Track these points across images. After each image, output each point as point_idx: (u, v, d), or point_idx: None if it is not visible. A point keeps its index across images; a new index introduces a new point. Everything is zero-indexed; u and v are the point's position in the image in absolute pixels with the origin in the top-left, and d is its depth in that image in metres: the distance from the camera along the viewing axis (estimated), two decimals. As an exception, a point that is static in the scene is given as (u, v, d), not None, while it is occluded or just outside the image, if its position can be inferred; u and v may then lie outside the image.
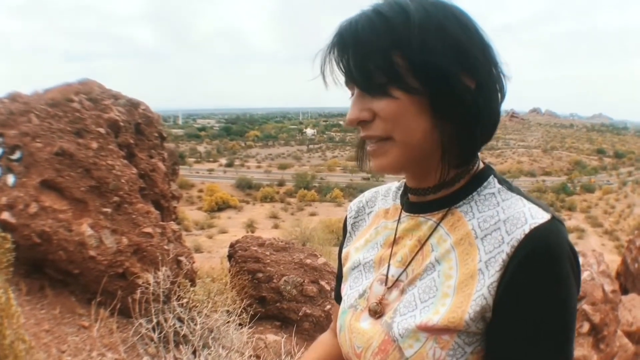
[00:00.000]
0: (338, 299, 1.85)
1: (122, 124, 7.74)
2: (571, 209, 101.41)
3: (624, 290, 12.08)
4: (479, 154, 1.47)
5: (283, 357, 6.53)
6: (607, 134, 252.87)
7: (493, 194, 1.42)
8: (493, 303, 1.27)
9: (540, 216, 1.28)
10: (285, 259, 9.55)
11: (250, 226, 65.06)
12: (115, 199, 7.04)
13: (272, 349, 7.40)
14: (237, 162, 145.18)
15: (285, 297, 9.11)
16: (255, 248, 9.68)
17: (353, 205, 1.87)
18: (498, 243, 1.30)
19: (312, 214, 75.47)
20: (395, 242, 1.56)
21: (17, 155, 6.69)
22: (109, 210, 6.94)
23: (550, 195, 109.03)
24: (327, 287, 9.24)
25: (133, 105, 8.38)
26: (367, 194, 1.85)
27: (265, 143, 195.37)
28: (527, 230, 1.26)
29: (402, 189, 1.67)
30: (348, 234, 1.84)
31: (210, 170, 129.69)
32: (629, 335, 9.69)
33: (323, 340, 2.01)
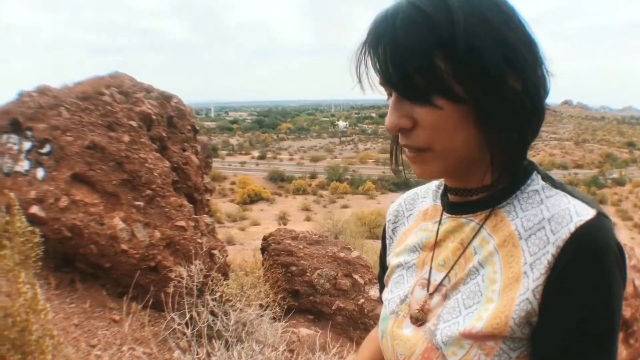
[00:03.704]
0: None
1: (154, 117, 7.74)
2: (602, 202, 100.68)
3: (656, 286, 11.95)
4: None
5: (318, 352, 6.50)
6: (637, 127, 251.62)
7: (537, 191, 1.35)
8: (539, 307, 1.22)
9: (586, 212, 1.22)
10: (319, 252, 9.55)
11: (283, 218, 65.36)
12: (148, 192, 7.04)
13: (305, 343, 7.38)
14: (269, 155, 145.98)
15: (319, 290, 9.13)
16: (288, 241, 9.71)
17: (391, 210, 1.80)
18: (543, 244, 1.24)
19: (344, 207, 75.64)
20: (436, 244, 1.49)
21: (46, 149, 6.70)
22: (141, 203, 6.94)
23: (581, 188, 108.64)
24: (361, 281, 9.23)
25: (165, 98, 8.40)
26: (406, 197, 1.77)
27: (298, 135, 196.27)
28: (572, 229, 1.20)
29: (442, 187, 1.60)
30: (389, 239, 1.77)
31: (243, 162, 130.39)
32: (659, 330, 9.61)
33: (374, 336, 1.89)
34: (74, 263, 6.81)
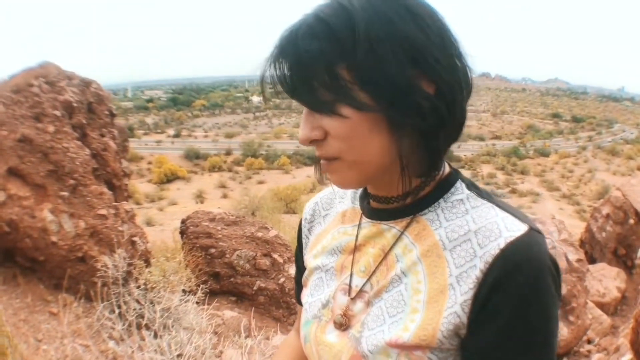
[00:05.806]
0: (300, 301, 1.73)
1: (75, 104, 7.75)
2: (524, 172, 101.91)
3: (592, 260, 12.03)
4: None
5: (243, 334, 6.64)
6: (563, 99, 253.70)
7: (461, 200, 1.33)
8: (468, 320, 1.20)
9: (516, 228, 1.20)
10: (237, 233, 9.60)
11: (200, 197, 64.90)
12: (71, 182, 7.05)
13: (230, 326, 7.51)
14: (184, 133, 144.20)
15: (239, 271, 9.19)
16: (206, 223, 9.72)
17: (308, 208, 1.76)
18: (469, 257, 1.22)
19: (260, 182, 75.64)
20: (356, 248, 1.47)
21: (-14, 144, 6.70)
22: (66, 193, 6.96)
23: (501, 159, 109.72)
24: (280, 260, 9.33)
25: (85, 84, 8.39)
26: (322, 195, 1.74)
27: (212, 112, 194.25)
28: (502, 245, 1.18)
29: (360, 189, 1.57)
30: (305, 239, 1.75)
31: (159, 141, 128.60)
32: (601, 306, 9.68)
33: (289, 342, 1.92)
34: (14, 257, 6.88)
